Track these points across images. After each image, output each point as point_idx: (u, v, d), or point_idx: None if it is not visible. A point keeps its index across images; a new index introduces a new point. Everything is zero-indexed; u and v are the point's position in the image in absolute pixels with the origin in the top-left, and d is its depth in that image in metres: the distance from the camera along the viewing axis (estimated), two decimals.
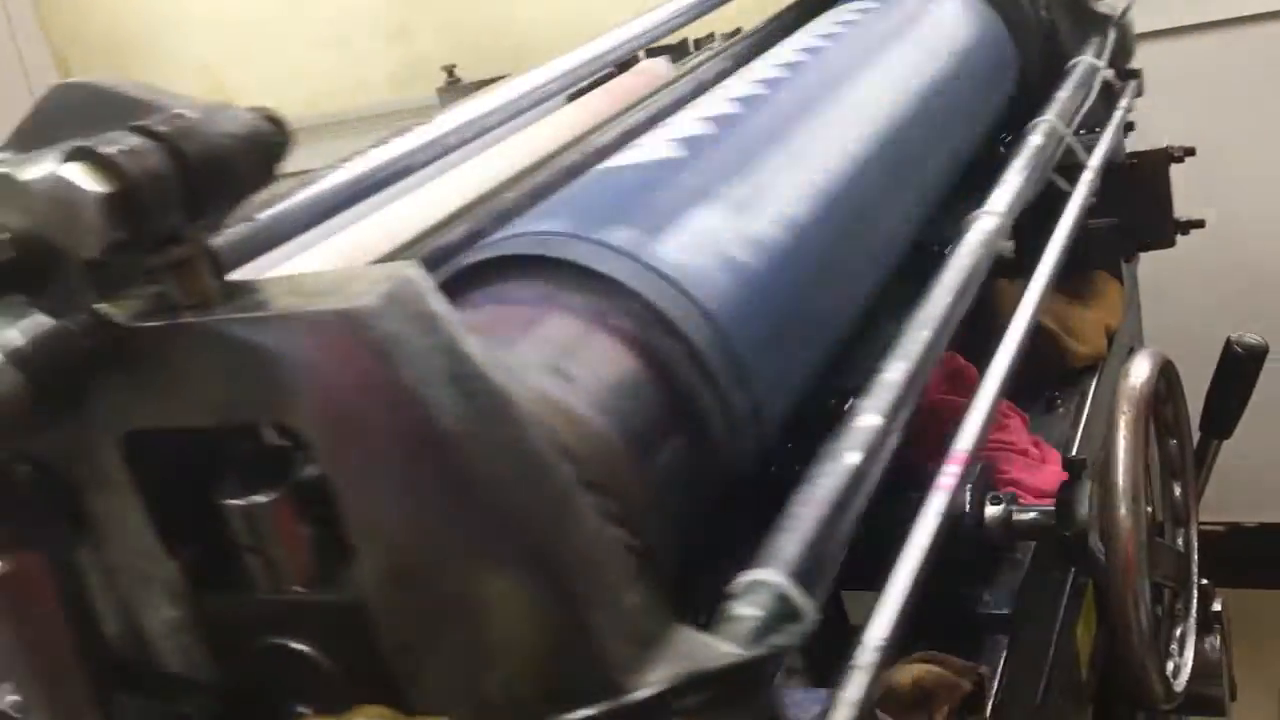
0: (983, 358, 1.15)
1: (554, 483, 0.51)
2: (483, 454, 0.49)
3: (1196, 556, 1.01)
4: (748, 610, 0.54)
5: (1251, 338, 1.26)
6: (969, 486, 0.92)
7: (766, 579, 0.56)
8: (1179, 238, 1.44)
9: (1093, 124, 1.32)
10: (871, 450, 0.69)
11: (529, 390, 0.56)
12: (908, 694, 0.78)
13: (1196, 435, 1.37)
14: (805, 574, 0.58)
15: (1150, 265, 1.53)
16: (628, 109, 1.05)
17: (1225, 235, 1.73)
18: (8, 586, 0.54)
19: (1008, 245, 1.06)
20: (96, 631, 0.57)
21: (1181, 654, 0.95)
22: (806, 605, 0.56)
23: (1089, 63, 1.29)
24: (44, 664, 0.56)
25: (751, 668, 0.51)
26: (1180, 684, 0.91)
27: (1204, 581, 1.17)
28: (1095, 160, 1.19)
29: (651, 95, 1.08)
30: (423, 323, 0.50)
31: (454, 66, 2.32)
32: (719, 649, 0.52)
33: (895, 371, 0.77)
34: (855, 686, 0.58)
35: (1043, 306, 0.99)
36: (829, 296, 0.86)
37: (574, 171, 0.91)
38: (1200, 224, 1.43)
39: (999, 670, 0.89)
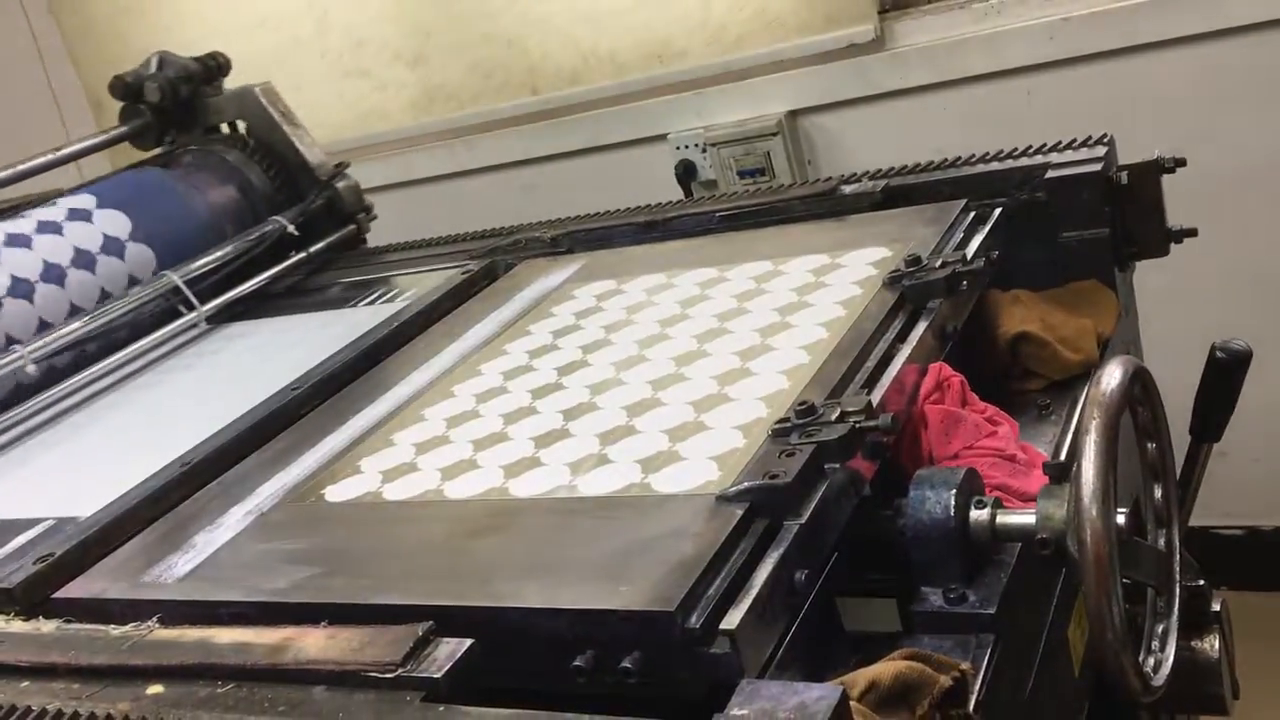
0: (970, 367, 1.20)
1: None
2: None
3: (1178, 556, 1.04)
4: None
5: (1236, 343, 1.28)
6: (954, 491, 0.96)
7: None
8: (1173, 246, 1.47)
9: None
10: None
11: None
12: (889, 688, 0.81)
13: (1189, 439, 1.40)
14: None
15: (1146, 273, 1.55)
16: None
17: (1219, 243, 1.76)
18: None
19: None
20: None
21: (1163, 650, 0.98)
22: None
23: (273, 222, 1.95)
24: None
25: None
26: (1159, 679, 0.94)
27: (1200, 582, 1.20)
28: (205, 307, 1.80)
29: None
30: None
31: None
32: None
33: None
34: None
35: None
36: None
37: None
38: (1193, 233, 1.45)
39: (984, 667, 0.92)
